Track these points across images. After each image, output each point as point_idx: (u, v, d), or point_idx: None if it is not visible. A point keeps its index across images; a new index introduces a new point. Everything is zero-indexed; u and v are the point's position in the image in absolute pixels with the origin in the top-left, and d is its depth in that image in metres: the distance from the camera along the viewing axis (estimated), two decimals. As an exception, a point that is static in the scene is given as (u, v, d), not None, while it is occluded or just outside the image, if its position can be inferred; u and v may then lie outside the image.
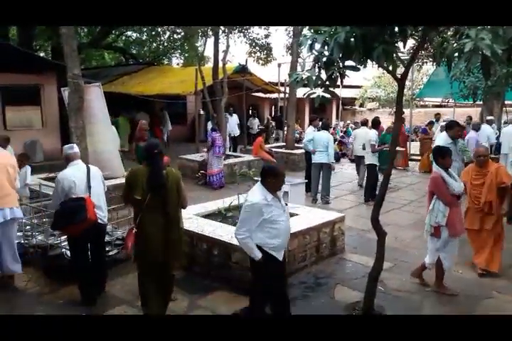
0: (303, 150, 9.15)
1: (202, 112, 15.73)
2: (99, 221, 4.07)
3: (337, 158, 12.60)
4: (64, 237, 4.89)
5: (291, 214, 5.16)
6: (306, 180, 8.03)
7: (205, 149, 9.46)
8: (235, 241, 4.36)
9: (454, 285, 4.35)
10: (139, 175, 3.49)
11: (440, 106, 17.81)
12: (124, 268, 4.55)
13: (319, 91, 3.39)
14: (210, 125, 11.75)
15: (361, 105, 22.25)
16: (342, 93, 21.00)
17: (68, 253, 4.57)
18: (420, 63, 14.04)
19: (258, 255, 3.25)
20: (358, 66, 3.24)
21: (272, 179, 3.27)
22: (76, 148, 4.30)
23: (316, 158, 7.92)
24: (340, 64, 3.20)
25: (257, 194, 3.26)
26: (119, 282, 4.40)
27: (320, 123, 8.40)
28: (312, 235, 4.86)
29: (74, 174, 4.07)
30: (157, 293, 3.61)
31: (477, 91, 7.11)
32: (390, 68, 3.48)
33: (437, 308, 4.00)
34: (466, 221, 4.79)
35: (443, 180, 4.12)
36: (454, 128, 5.86)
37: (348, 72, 3.28)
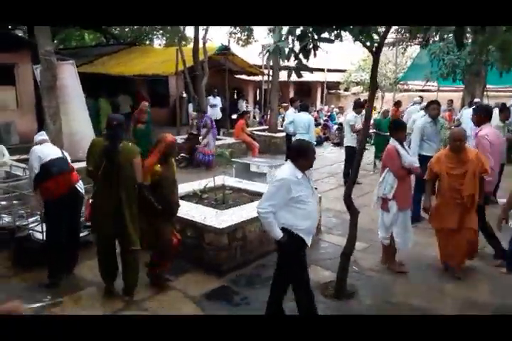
0: (285, 134, 9.04)
1: (184, 95, 15.44)
2: (77, 188, 4.06)
3: (320, 142, 12.63)
4: (32, 219, 4.75)
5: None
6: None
7: (203, 130, 9.26)
8: (208, 223, 4.30)
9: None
10: (96, 146, 3.48)
11: (423, 90, 17.80)
12: (93, 251, 4.44)
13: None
14: (191, 107, 11.55)
15: (346, 89, 22.12)
16: (327, 77, 20.89)
17: (36, 235, 4.44)
18: (404, 46, 13.97)
19: (278, 234, 3.00)
20: (333, 38, 3.12)
21: (301, 156, 3.06)
22: (45, 135, 4.39)
23: (298, 140, 7.80)
24: (315, 36, 3.06)
25: (286, 170, 3.07)
26: (87, 265, 4.27)
27: (299, 104, 8.27)
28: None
29: (46, 148, 4.12)
30: (113, 269, 3.72)
31: (456, 69, 6.98)
32: (368, 44, 3.38)
33: (408, 288, 4.01)
34: (436, 219, 4.25)
35: (397, 152, 4.11)
36: (429, 106, 5.77)
37: (334, 56, 3.17)
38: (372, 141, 10.78)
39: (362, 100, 8.85)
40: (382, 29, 3.68)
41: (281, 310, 3.34)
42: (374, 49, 3.47)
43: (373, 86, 3.66)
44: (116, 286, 3.83)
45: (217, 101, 13.47)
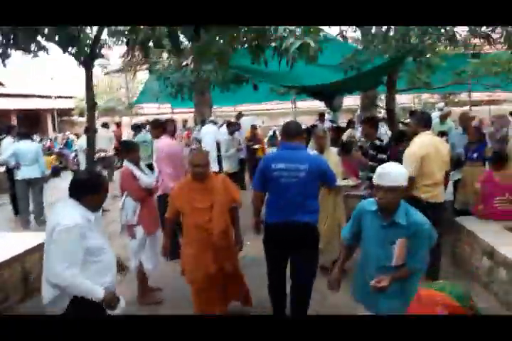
0: (4, 168, 7.56)
1: None
2: None
3: (57, 172, 11.71)
4: None
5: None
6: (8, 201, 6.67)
7: None
8: None
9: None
10: None
11: (159, 113, 18.47)
12: None
13: None
14: None
15: (81, 115, 20.91)
16: (58, 104, 19.27)
17: None
18: (133, 71, 14.09)
19: (101, 293, 2.27)
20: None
21: (91, 191, 2.37)
22: None
23: (23, 174, 6.61)
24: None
25: (73, 213, 2.28)
26: None
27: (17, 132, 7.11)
28: (13, 267, 3.80)
29: None
30: None
31: (182, 88, 7.20)
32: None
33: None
34: (186, 268, 3.43)
35: (132, 174, 3.86)
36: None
37: (62, 82, 2.63)
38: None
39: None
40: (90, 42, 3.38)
41: None
42: (84, 62, 3.12)
43: (90, 107, 3.31)
44: None
45: None
